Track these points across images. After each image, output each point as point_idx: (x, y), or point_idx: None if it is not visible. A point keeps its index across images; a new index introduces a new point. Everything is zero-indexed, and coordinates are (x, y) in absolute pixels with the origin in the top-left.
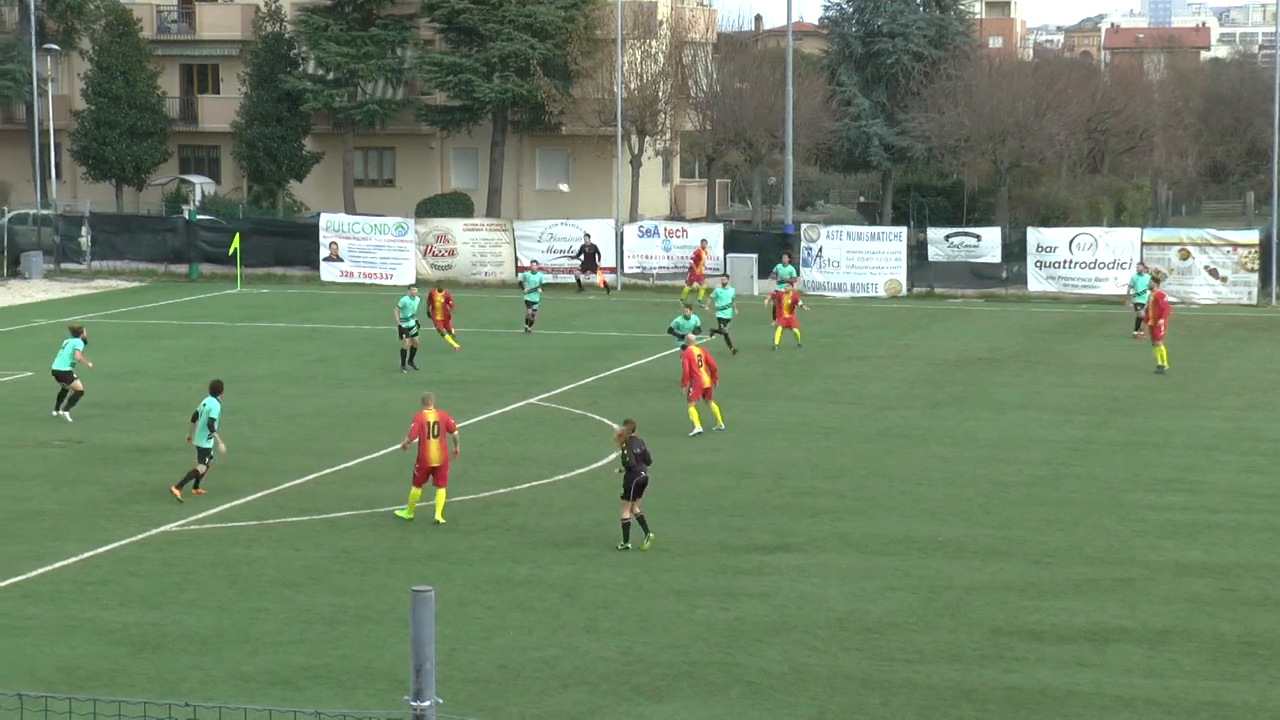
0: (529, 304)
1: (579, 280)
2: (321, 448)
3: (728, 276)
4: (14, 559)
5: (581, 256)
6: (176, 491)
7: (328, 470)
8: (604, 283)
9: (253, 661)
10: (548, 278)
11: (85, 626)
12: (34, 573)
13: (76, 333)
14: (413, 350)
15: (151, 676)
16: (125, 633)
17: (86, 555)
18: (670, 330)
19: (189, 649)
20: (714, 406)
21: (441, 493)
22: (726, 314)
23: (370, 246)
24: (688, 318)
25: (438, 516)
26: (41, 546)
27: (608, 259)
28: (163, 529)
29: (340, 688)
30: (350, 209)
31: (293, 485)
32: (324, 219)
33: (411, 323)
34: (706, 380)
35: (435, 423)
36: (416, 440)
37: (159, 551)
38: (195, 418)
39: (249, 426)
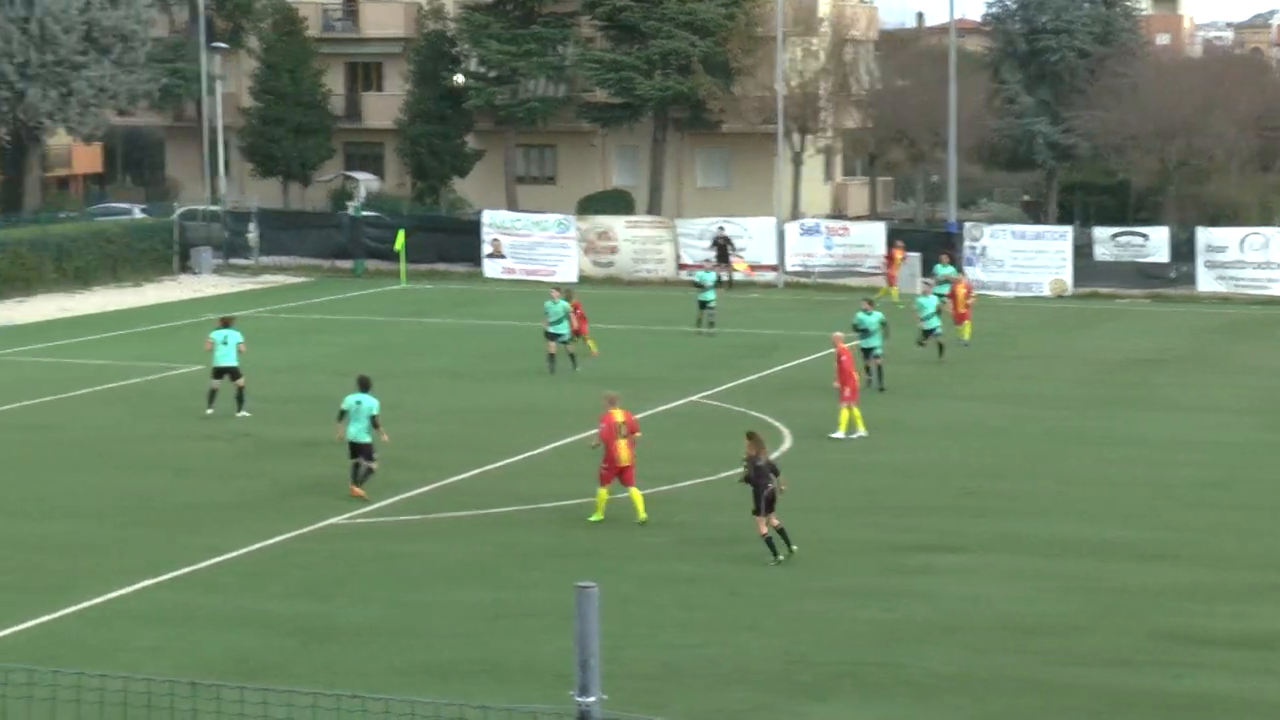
0: (703, 305)
1: (720, 277)
2: (484, 443)
3: (929, 283)
4: (185, 550)
5: (715, 249)
6: (359, 491)
7: (490, 465)
8: (739, 272)
9: (417, 655)
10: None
11: (254, 617)
12: (204, 564)
13: (229, 324)
14: (568, 354)
15: (319, 667)
16: (293, 624)
17: (255, 547)
18: (855, 327)
19: (355, 641)
20: (855, 412)
21: (635, 491)
22: (933, 324)
23: (532, 243)
24: (869, 312)
25: (641, 516)
26: (212, 538)
27: (769, 257)
28: (329, 522)
29: (504, 682)
30: (512, 206)
31: (456, 480)
32: (486, 216)
33: (560, 328)
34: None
35: (622, 423)
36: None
37: (325, 544)
38: (343, 415)
39: (412, 422)
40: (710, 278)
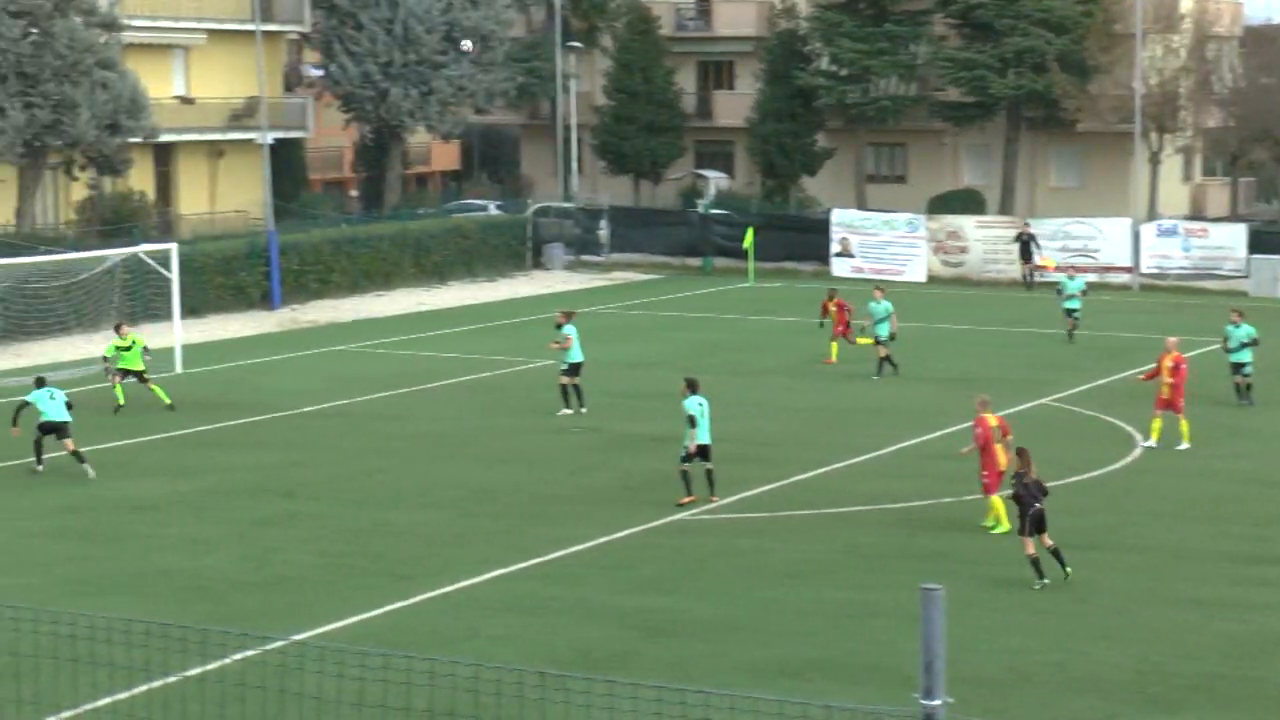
0: (1069, 313)
1: (1025, 277)
2: (829, 441)
3: None
4: (535, 541)
5: (1019, 246)
6: (712, 499)
7: (837, 464)
8: (1043, 269)
9: (762, 652)
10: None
11: (600, 610)
12: (552, 555)
13: (570, 319)
14: (885, 358)
15: (663, 661)
16: (639, 617)
17: (602, 540)
18: (1224, 343)
19: (700, 636)
20: (1183, 424)
21: (997, 499)
22: None
23: (881, 242)
24: (1237, 325)
25: (992, 522)
26: (560, 530)
27: (1123, 259)
28: (676, 517)
29: (848, 682)
30: (861, 205)
31: (802, 478)
32: (835, 214)
33: (881, 329)
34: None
35: (997, 426)
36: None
37: (672, 539)
38: (693, 421)
39: (757, 419)
40: (1074, 285)
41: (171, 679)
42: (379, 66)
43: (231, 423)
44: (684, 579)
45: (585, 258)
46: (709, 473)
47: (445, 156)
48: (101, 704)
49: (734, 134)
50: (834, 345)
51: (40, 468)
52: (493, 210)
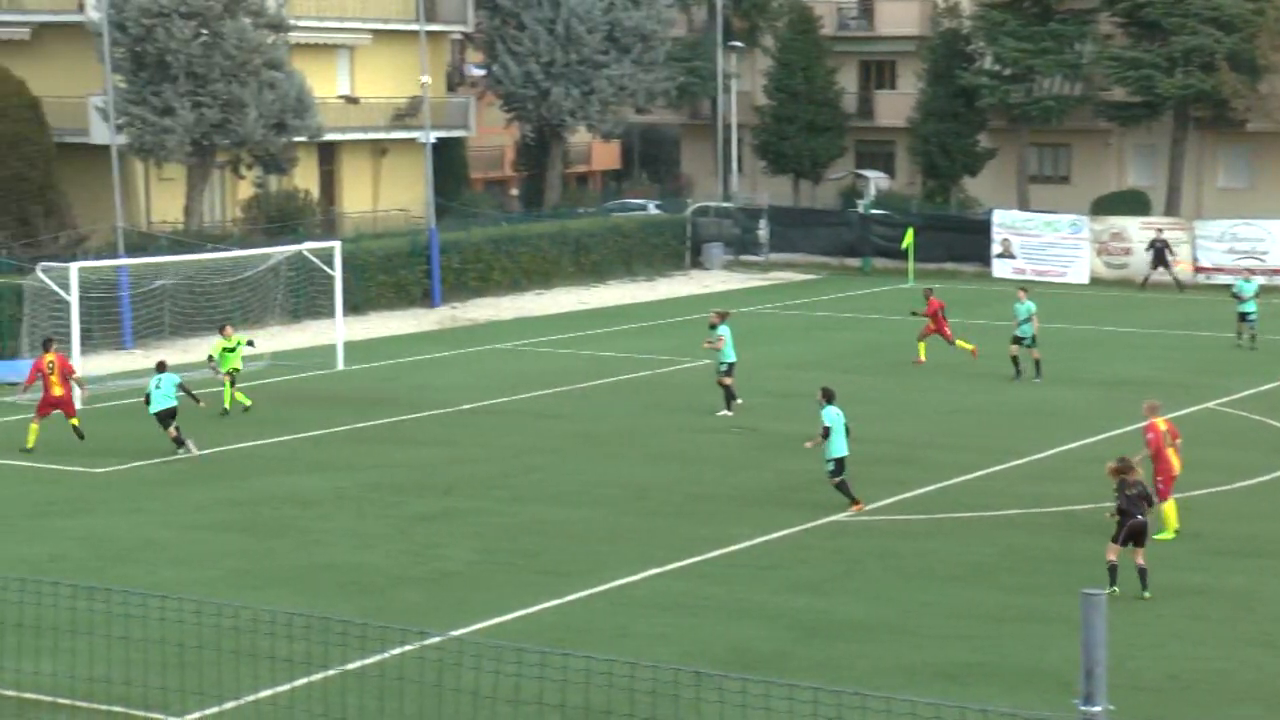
0: (1242, 316)
1: (1146, 280)
2: (989, 443)
3: None
4: (691, 540)
5: (1152, 253)
6: (856, 507)
7: (996, 467)
8: (1184, 274)
9: (918, 654)
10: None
11: (755, 610)
12: (709, 554)
13: (725, 318)
14: (1032, 360)
15: (818, 663)
16: (794, 618)
17: (758, 540)
18: None
19: (855, 638)
20: None
21: (1170, 504)
22: None
23: (1043, 244)
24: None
25: (1171, 529)
26: (716, 529)
27: None
28: (832, 518)
29: (1005, 686)
30: (1023, 205)
31: (960, 481)
32: (997, 215)
33: (1024, 330)
34: None
35: (1167, 431)
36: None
37: (828, 540)
38: (827, 433)
39: (916, 421)
40: (1250, 288)
41: (331, 672)
42: (541, 66)
43: (392, 419)
44: (840, 580)
45: (744, 257)
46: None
47: (605, 156)
48: (263, 696)
49: (895, 134)
50: (922, 345)
51: (197, 453)
52: (652, 210)
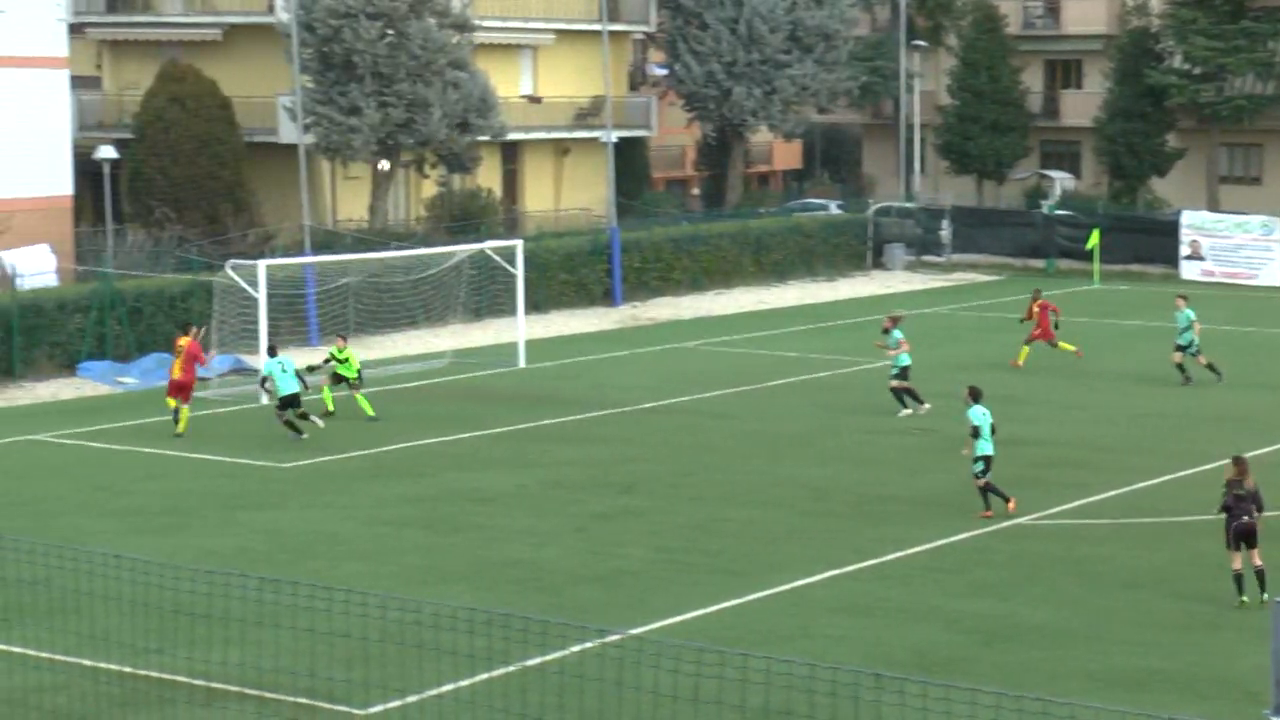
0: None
1: None
2: (1172, 448)
3: None
4: (870, 542)
5: None
6: (1009, 505)
7: (1181, 472)
8: None
9: (1100, 660)
10: None
11: (936, 613)
12: (888, 556)
13: (899, 321)
14: (1207, 366)
15: (1000, 667)
16: (975, 622)
17: (939, 543)
18: None
19: (1038, 643)
20: None
21: None
22: None
23: (1234, 245)
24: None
25: None
26: (895, 531)
27: None
28: (1014, 522)
29: (1190, 695)
30: (1213, 206)
31: (1144, 485)
32: (1185, 216)
33: (1184, 337)
34: None
35: None
36: None
37: (1009, 544)
38: (977, 432)
39: (1099, 424)
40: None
41: (511, 668)
42: (723, 66)
43: (572, 417)
44: (1021, 584)
45: (926, 258)
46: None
47: (787, 155)
48: (444, 690)
49: (1081, 134)
50: (1025, 349)
51: (304, 436)
52: (833, 209)
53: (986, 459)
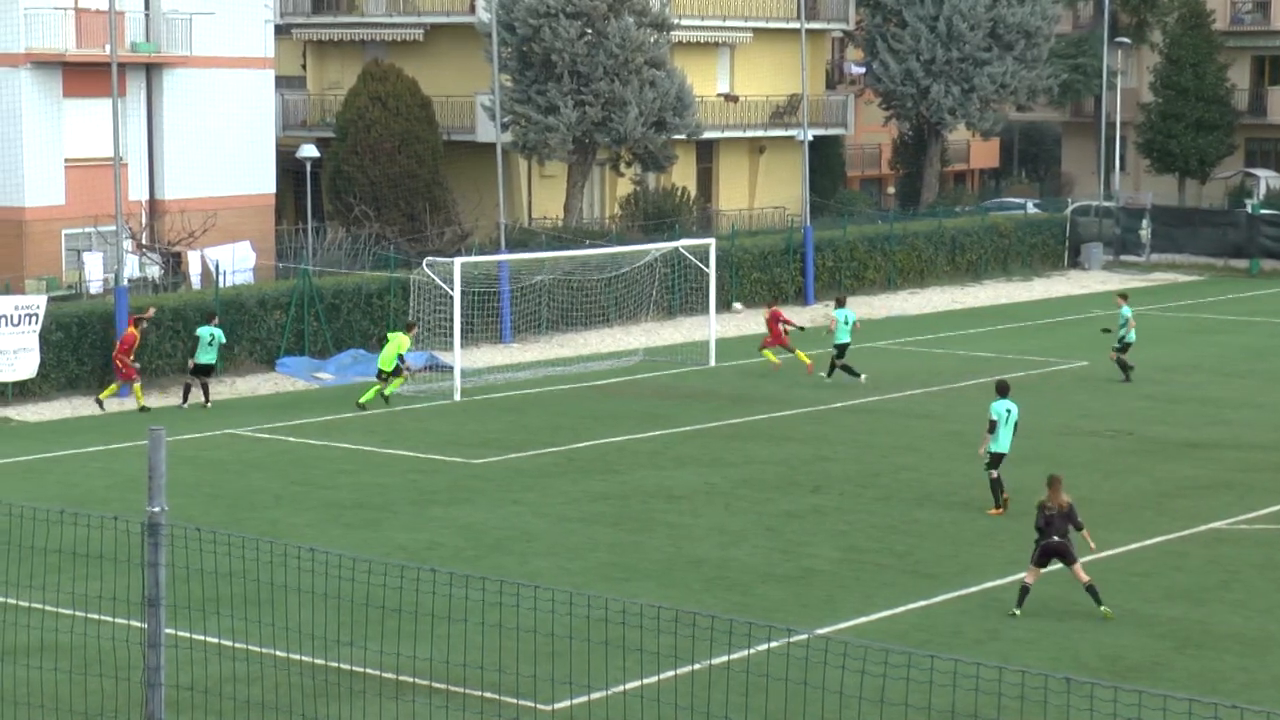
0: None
1: None
2: None
3: None
4: None
5: None
6: (996, 511)
7: None
8: None
9: None
10: None
11: (1129, 617)
12: (1081, 560)
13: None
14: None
15: (1193, 674)
16: (1169, 627)
17: (1133, 546)
18: None
19: (1233, 649)
20: None
21: None
22: None
23: None
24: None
25: None
26: (1090, 535)
27: None
28: (1210, 526)
29: None
30: None
31: None
32: None
33: (1124, 334)
34: None
35: None
36: None
37: (1205, 548)
38: (993, 426)
39: None
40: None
41: (697, 666)
42: (921, 64)
43: (762, 416)
44: (1217, 590)
45: (1124, 258)
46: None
47: (984, 154)
48: (630, 687)
49: None
50: (769, 353)
51: (185, 405)
52: (1031, 209)
53: (996, 455)
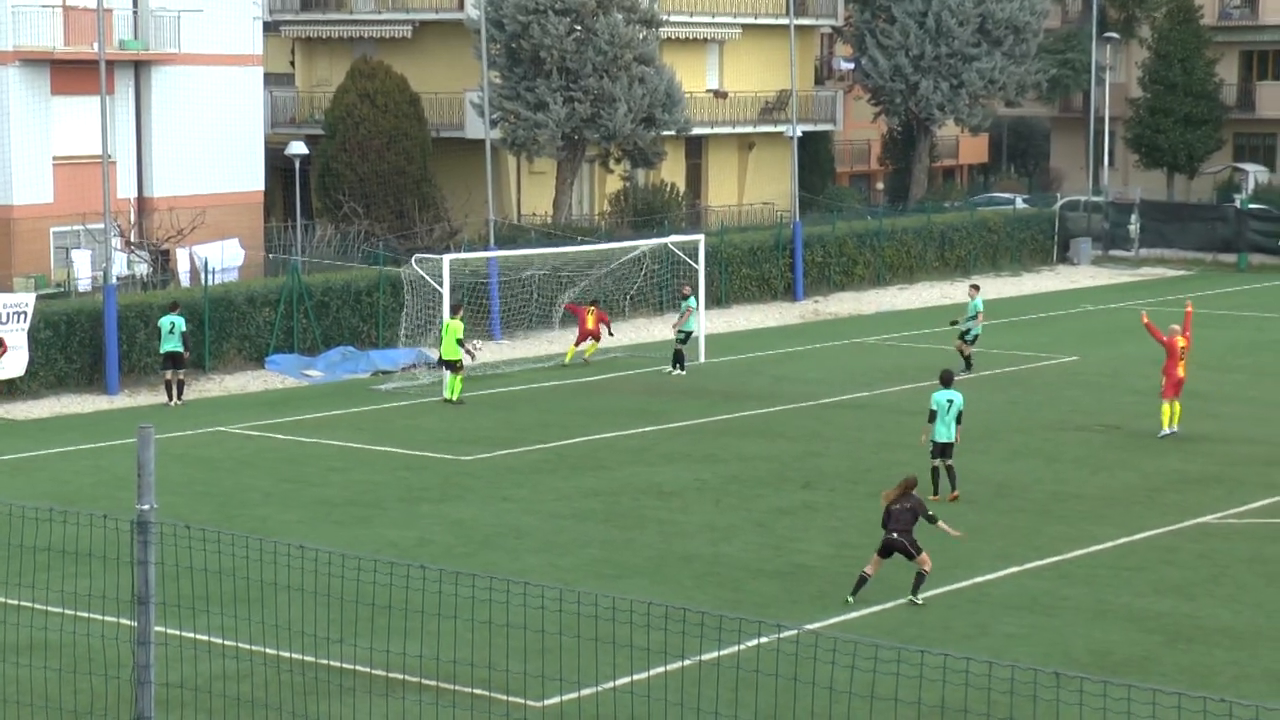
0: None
1: None
2: None
3: None
4: (1053, 540)
5: None
6: (951, 497)
7: None
8: None
9: None
10: None
11: (1118, 611)
12: (1070, 554)
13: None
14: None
15: (1183, 668)
16: (1158, 621)
17: (1122, 541)
18: None
19: (1222, 643)
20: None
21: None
22: None
23: None
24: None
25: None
26: (1078, 529)
27: None
28: (1199, 520)
29: None
30: None
31: None
32: None
33: (969, 326)
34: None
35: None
36: None
37: (1194, 543)
38: (933, 416)
39: None
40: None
41: (687, 662)
42: (910, 59)
43: (752, 412)
44: (1207, 584)
45: (1113, 253)
46: (948, 469)
47: (973, 150)
48: (620, 683)
49: (1276, 126)
50: (572, 350)
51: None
52: (1019, 204)
53: (935, 444)
